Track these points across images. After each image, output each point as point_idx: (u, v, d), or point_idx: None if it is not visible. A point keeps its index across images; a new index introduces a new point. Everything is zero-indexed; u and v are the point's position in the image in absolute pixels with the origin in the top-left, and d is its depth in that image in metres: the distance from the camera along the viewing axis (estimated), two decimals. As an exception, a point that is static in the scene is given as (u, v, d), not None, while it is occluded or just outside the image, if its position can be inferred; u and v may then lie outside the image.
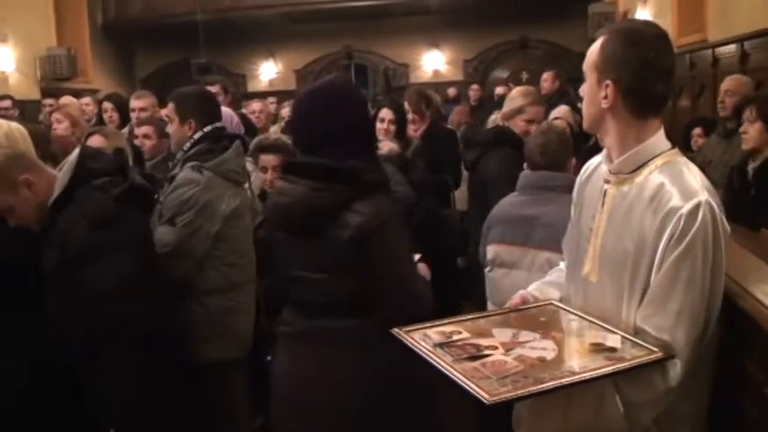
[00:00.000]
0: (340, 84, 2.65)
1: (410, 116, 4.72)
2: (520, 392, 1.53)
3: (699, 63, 7.90)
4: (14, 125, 3.07)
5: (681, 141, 6.17)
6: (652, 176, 1.77)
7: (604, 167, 1.91)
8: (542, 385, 1.55)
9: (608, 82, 1.79)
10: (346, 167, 2.31)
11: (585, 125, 1.94)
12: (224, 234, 3.17)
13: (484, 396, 1.49)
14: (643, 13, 10.17)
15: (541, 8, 13.54)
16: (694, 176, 1.76)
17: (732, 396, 1.84)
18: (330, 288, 2.35)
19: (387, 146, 4.18)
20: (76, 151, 2.75)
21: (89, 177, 2.65)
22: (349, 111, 2.43)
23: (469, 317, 1.90)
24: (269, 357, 3.61)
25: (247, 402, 3.41)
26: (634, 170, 1.81)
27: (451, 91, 12.58)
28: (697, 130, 5.91)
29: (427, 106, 4.75)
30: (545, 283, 2.14)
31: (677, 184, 1.72)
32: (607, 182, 1.88)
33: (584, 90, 1.91)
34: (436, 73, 15.42)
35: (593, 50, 1.84)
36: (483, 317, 1.91)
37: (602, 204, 1.87)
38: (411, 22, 15.16)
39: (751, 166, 3.68)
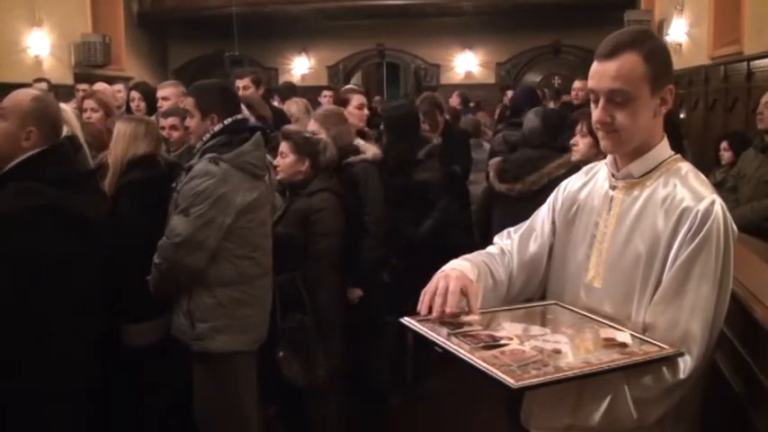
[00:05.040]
0: (529, 88, 6.18)
1: (424, 125, 5.37)
2: (546, 378, 1.51)
3: (733, 75, 7.79)
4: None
5: (712, 154, 6.07)
6: (662, 179, 1.81)
7: (603, 176, 1.94)
8: (567, 373, 1.54)
9: (670, 87, 1.81)
10: None
11: (628, 147, 1.81)
12: (237, 226, 3.17)
13: (509, 381, 1.47)
14: (679, 23, 10.06)
15: (576, 14, 13.47)
16: (701, 179, 1.81)
17: (745, 409, 1.82)
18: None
19: (371, 150, 4.25)
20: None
21: (36, 171, 2.65)
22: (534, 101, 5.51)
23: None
24: (281, 354, 3.60)
25: (255, 393, 3.41)
26: (643, 174, 1.83)
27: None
28: (723, 144, 5.79)
29: (441, 112, 5.59)
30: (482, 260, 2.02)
31: (687, 186, 1.77)
32: (613, 188, 1.89)
33: (621, 113, 1.76)
34: (468, 75, 15.36)
35: (635, 64, 1.75)
36: (489, 312, 1.87)
37: (609, 210, 1.87)
38: (445, 23, 15.14)
39: None
